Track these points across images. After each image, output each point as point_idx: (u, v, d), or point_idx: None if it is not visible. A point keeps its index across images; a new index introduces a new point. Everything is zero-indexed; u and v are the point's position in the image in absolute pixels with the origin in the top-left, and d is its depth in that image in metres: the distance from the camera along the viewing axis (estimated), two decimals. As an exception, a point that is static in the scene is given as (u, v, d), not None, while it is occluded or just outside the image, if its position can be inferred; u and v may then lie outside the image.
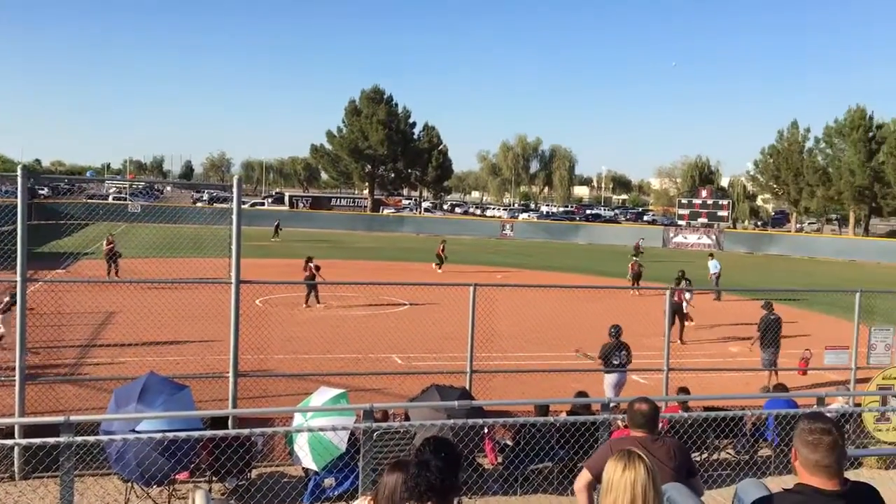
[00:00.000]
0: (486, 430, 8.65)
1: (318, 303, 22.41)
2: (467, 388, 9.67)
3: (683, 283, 23.81)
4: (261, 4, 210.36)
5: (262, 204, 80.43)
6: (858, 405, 10.87)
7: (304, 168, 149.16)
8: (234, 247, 8.85)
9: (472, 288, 9.82)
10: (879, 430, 10.91)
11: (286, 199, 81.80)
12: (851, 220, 69.64)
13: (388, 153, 74.72)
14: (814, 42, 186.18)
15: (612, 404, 8.11)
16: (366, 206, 77.33)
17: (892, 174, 62.60)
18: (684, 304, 19.82)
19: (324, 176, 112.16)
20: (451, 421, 6.23)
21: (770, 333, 14.65)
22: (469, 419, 7.05)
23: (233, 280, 8.90)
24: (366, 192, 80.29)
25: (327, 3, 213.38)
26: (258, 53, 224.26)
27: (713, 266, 29.09)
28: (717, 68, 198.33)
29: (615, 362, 11.97)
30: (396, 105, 77.17)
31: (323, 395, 7.90)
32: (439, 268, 33.82)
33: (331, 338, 17.29)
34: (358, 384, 12.87)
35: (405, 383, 12.25)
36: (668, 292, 11.15)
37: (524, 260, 41.91)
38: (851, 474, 3.42)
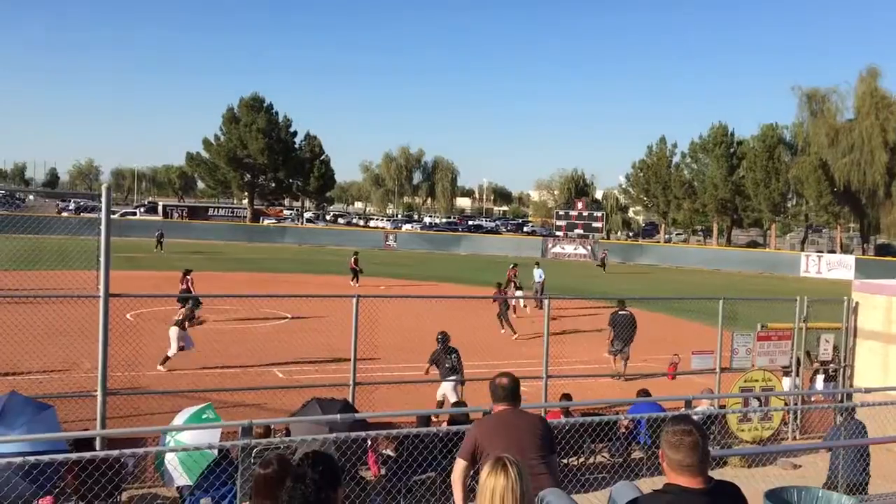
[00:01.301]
0: (369, 443, 8.59)
1: (196, 319, 21.56)
2: (350, 400, 9.58)
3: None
4: (132, 3, 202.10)
5: (134, 214, 77.05)
6: (723, 407, 11.49)
7: (179, 177, 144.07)
8: (102, 259, 8.42)
9: (354, 300, 9.75)
10: (742, 430, 11.58)
11: (160, 208, 78.78)
12: (715, 231, 73.82)
13: (269, 162, 73.29)
14: (680, 62, 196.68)
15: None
16: (245, 217, 75.51)
17: (751, 188, 66.82)
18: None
19: (200, 185, 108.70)
20: (333, 435, 6.13)
21: (619, 328, 17.04)
22: (351, 432, 6.97)
23: (101, 294, 8.46)
24: (245, 201, 78.36)
25: (203, 7, 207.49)
26: (129, 55, 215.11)
27: (538, 275, 29.20)
28: (592, 84, 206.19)
29: (447, 366, 12.50)
30: (277, 113, 75.90)
31: (186, 413, 7.64)
32: (356, 282, 32.20)
33: (208, 352, 16.71)
34: (237, 399, 12.51)
35: (286, 397, 11.99)
36: (546, 302, 11.42)
37: (407, 271, 42.00)
38: (717, 473, 3.59)
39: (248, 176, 75.33)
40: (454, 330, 13.95)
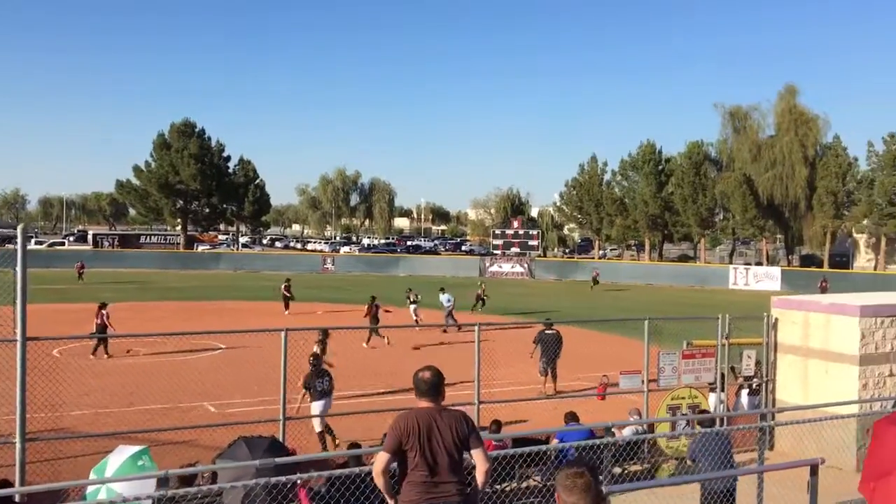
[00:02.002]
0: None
1: (107, 354, 20.76)
2: (280, 435, 9.49)
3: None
4: (58, 24, 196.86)
5: (63, 243, 74.78)
6: (652, 427, 11.75)
7: (109, 204, 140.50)
8: (18, 302, 8.19)
9: (283, 333, 9.68)
10: (670, 447, 11.86)
11: (89, 237, 76.70)
12: (647, 247, 75.45)
13: (202, 188, 72.15)
14: (609, 81, 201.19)
15: None
16: (179, 244, 74.06)
17: (679, 203, 68.63)
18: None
19: (132, 212, 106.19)
20: (254, 481, 6.07)
21: (544, 345, 17.61)
22: (280, 476, 6.91)
23: (18, 338, 8.23)
24: (178, 228, 76.90)
25: (131, 31, 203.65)
26: (55, 79, 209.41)
27: (445, 300, 29.09)
28: (525, 103, 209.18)
29: (319, 389, 12.79)
30: (209, 138, 74.90)
31: (121, 455, 7.42)
32: (287, 309, 31.58)
33: (135, 388, 16.32)
34: (166, 437, 12.24)
35: (217, 433, 11.80)
36: (476, 326, 11.52)
37: (345, 294, 41.72)
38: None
39: (181, 202, 74.00)
40: (390, 355, 13.98)
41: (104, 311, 21.77)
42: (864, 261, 69.88)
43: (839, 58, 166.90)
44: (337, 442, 12.59)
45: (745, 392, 13.71)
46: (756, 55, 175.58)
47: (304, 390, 12.92)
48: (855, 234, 69.26)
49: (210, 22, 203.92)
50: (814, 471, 5.76)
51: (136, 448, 7.51)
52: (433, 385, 5.23)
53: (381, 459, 5.11)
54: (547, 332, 17.85)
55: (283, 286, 32.82)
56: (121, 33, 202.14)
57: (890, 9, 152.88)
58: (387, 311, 26.56)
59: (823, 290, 44.65)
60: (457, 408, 5.62)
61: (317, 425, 12.56)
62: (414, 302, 29.76)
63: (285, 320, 27.80)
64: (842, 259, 69.57)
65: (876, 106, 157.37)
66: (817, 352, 12.20)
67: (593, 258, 78.19)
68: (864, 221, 63.98)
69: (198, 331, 19.51)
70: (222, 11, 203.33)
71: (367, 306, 26.13)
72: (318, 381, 12.81)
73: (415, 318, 29.27)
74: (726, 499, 8.02)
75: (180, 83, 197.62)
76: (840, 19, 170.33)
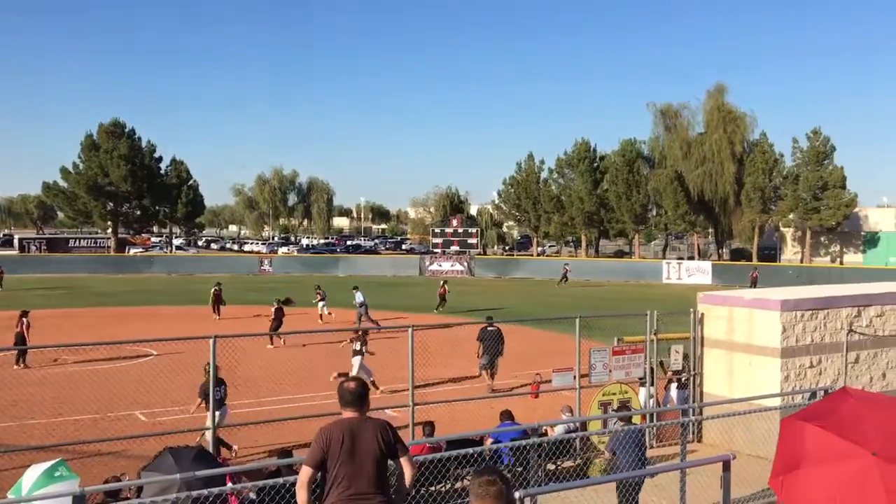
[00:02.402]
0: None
1: (24, 364, 20.27)
2: (210, 444, 9.35)
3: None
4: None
5: (-14, 248, 72.28)
6: (584, 424, 11.94)
7: (37, 207, 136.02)
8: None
9: (212, 340, 9.54)
10: (602, 443, 12.07)
11: (15, 241, 74.17)
12: (584, 243, 76.60)
13: (133, 190, 70.38)
14: (545, 79, 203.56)
15: None
16: (109, 247, 72.14)
17: (614, 200, 69.89)
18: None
19: (61, 215, 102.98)
20: (181, 495, 5.98)
21: (487, 342, 18.00)
22: (208, 485, 6.82)
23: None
24: (109, 231, 74.87)
25: (58, 30, 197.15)
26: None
27: (358, 297, 29.05)
28: (463, 101, 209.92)
29: (217, 398, 12.15)
30: (140, 139, 73.12)
31: (35, 471, 7.20)
32: (218, 315, 30.86)
33: (63, 398, 15.87)
34: (94, 449, 11.95)
35: (147, 443, 11.55)
36: (410, 328, 11.52)
37: (281, 296, 41.18)
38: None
39: (111, 204, 72.06)
40: (328, 359, 13.85)
41: (24, 320, 21.23)
42: (790, 254, 72.23)
43: (765, 56, 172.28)
44: (233, 453, 12.31)
45: (674, 386, 14.05)
46: (687, 55, 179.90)
47: (199, 399, 12.59)
48: (782, 228, 71.58)
49: (139, 19, 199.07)
50: (726, 466, 5.95)
51: (50, 463, 7.29)
52: (358, 396, 5.25)
53: (303, 472, 5.10)
54: (489, 329, 18.20)
55: (213, 290, 32.11)
56: (46, 32, 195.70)
57: (812, 9, 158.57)
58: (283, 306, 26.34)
59: (754, 283, 46.08)
60: (379, 416, 5.64)
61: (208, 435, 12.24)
62: (322, 299, 30.02)
63: (217, 326, 27.29)
64: (770, 252, 71.80)
65: (800, 103, 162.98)
66: (741, 345, 12.58)
67: (532, 255, 79.01)
68: (790, 216, 66.19)
69: (124, 340, 19.06)
70: (151, 8, 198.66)
71: (272, 308, 26.17)
72: (216, 390, 12.52)
73: (321, 313, 29.81)
74: (636, 488, 8.53)
75: (109, 83, 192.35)
76: (766, 19, 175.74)
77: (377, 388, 15.71)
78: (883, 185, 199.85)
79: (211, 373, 9.48)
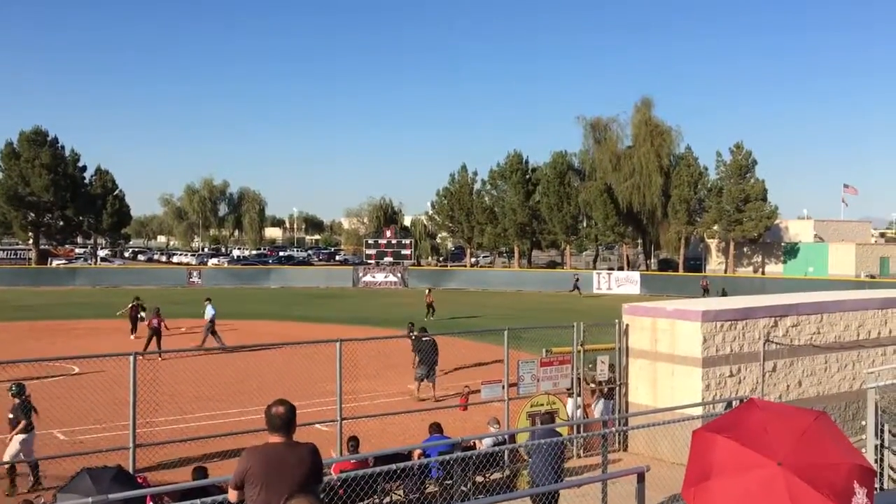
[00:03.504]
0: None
1: None
2: (131, 462, 9.11)
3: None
4: None
5: None
6: (513, 436, 12.05)
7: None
8: None
9: (131, 358, 9.32)
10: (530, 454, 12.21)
11: (-72, 253, 71.00)
12: (517, 254, 77.42)
13: (55, 200, 68.10)
14: (476, 91, 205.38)
15: None
16: (30, 259, 69.58)
17: (546, 212, 70.91)
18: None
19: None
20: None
21: (422, 353, 18.14)
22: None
23: None
24: (30, 242, 72.22)
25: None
26: None
27: (208, 311, 27.22)
28: (395, 112, 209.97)
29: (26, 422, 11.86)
30: (63, 148, 70.88)
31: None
32: (135, 333, 28.61)
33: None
34: (6, 469, 11.51)
35: (65, 463, 11.17)
36: (338, 343, 11.45)
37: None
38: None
39: (32, 215, 69.56)
40: (272, 372, 13.53)
41: None
42: (715, 264, 74.45)
43: (690, 71, 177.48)
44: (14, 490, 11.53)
45: (601, 401, 14.21)
46: (614, 67, 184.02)
47: (22, 420, 11.96)
48: (707, 239, 73.74)
49: (59, 21, 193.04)
50: (640, 478, 6.09)
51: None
52: (287, 421, 5.21)
53: (230, 494, 5.18)
54: (423, 339, 18.31)
55: (129, 306, 30.02)
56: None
57: (732, 25, 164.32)
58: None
59: (706, 290, 47.62)
60: (308, 431, 5.62)
61: (7, 457, 11.59)
62: (142, 308, 29.58)
63: (134, 344, 25.99)
64: (695, 262, 73.88)
65: (723, 118, 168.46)
66: (664, 355, 12.91)
67: (465, 266, 79.41)
68: (715, 227, 68.29)
69: (41, 358, 18.38)
70: (71, 11, 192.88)
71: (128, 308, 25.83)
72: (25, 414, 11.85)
73: (132, 326, 28.90)
74: (552, 497, 8.66)
75: (30, 89, 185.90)
76: (691, 34, 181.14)
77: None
78: (802, 198, 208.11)
79: (132, 391, 9.23)
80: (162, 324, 25.15)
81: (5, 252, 74.54)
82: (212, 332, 26.43)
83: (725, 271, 67.76)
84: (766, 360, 13.09)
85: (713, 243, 74.28)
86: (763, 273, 69.78)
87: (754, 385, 12.95)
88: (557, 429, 12.60)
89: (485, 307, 44.42)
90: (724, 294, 45.23)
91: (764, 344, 13.01)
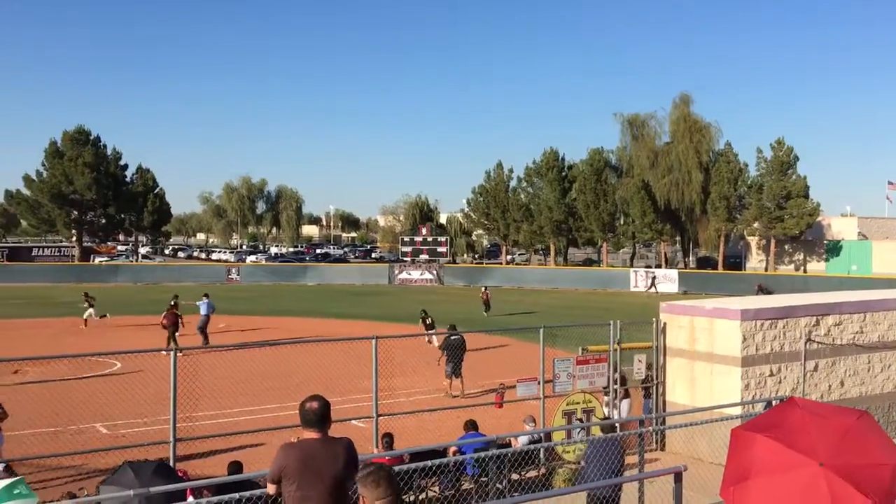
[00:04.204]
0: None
1: None
2: (171, 456, 9.27)
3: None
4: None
5: (-54, 257, 70.82)
6: (548, 434, 12.01)
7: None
8: None
9: (171, 354, 9.48)
10: (566, 452, 12.17)
11: (-24, 250, 72.91)
12: (553, 251, 77.03)
13: (98, 198, 69.45)
14: (512, 89, 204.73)
15: None
16: (74, 256, 71.05)
17: (582, 209, 70.43)
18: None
19: (23, 224, 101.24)
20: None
21: (451, 350, 18.34)
22: (167, 500, 6.77)
23: None
24: (73, 240, 73.75)
25: (17, 37, 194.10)
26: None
27: (203, 307, 26.93)
28: (431, 109, 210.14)
29: None
30: (105, 147, 72.22)
31: (-7, 489, 7.08)
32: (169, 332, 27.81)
33: (23, 410, 15.55)
34: (55, 463, 11.77)
35: (108, 457, 11.42)
36: (374, 340, 11.51)
37: (251, 306, 40.99)
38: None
39: (76, 213, 71.04)
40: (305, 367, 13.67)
41: None
42: (755, 262, 73.31)
43: (729, 67, 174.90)
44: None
45: (626, 401, 14.07)
46: (652, 64, 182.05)
47: None
48: (747, 237, 72.63)
49: (103, 22, 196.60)
50: (678, 478, 6.03)
51: (9, 480, 7.18)
52: (321, 416, 5.24)
53: (268, 490, 5.30)
54: (452, 337, 18.39)
55: (170, 303, 29.15)
56: (8, 36, 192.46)
57: (773, 20, 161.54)
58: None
59: (761, 290, 46.50)
60: (346, 427, 5.67)
61: None
62: (91, 306, 30.08)
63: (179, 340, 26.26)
64: (735, 260, 72.82)
65: (764, 114, 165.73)
66: (703, 354, 12.77)
67: (501, 263, 79.25)
68: (755, 224, 67.20)
69: (84, 353, 18.78)
70: (116, 11, 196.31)
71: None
72: None
73: (86, 319, 29.39)
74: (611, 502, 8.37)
75: (73, 89, 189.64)
76: (730, 29, 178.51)
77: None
78: (845, 195, 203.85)
79: (172, 386, 9.39)
80: (180, 319, 25.36)
81: (49, 249, 76.12)
82: (201, 328, 26.18)
83: (766, 269, 66.66)
84: (807, 360, 12.87)
85: (753, 241, 73.12)
86: (805, 271, 68.52)
87: (795, 385, 12.75)
88: (592, 428, 12.58)
89: (520, 304, 44.29)
90: (762, 291, 44.52)
91: (805, 343, 12.79)
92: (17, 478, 7.40)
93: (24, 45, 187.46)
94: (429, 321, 25.50)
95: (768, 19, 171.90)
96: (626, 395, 13.66)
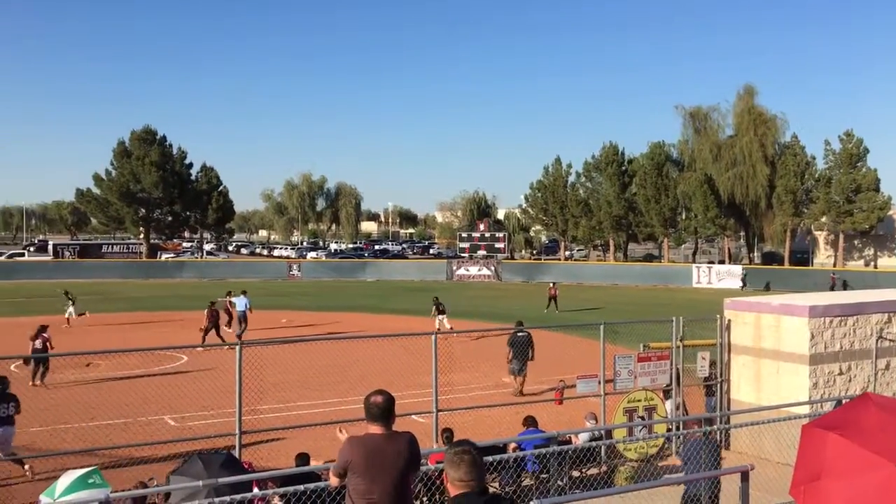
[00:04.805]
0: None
1: (42, 382, 18.61)
2: (237, 449, 9.47)
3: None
4: (5, 38, 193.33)
5: (23, 254, 73.55)
6: (609, 431, 11.89)
7: (71, 213, 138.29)
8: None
9: (238, 347, 9.69)
10: (628, 450, 12.03)
11: (50, 247, 75.49)
12: (612, 247, 76.16)
13: (164, 196, 71.31)
14: (570, 83, 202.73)
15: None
16: (141, 253, 73.13)
17: (643, 204, 69.41)
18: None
19: (94, 221, 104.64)
20: (216, 500, 6.08)
21: (517, 347, 18.07)
22: (234, 491, 6.91)
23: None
24: (141, 237, 75.90)
25: (89, 38, 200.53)
26: (13, 88, 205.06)
27: (241, 303, 27.28)
28: (490, 105, 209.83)
29: (2, 415, 11.73)
30: (171, 146, 74.07)
31: (70, 477, 7.36)
32: (229, 325, 28.42)
33: (95, 402, 16.13)
34: (126, 454, 12.14)
35: (176, 447, 11.73)
36: (433, 336, 11.56)
37: (311, 301, 41.59)
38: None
39: (143, 211, 73.07)
40: (363, 360, 13.83)
41: (45, 335, 19.57)
42: (823, 257, 71.23)
43: (795, 57, 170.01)
44: (28, 472, 11.69)
45: (669, 401, 13.73)
46: (714, 55, 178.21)
47: None
48: (814, 232, 70.59)
49: (168, 26, 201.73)
50: (744, 477, 5.90)
51: (84, 470, 7.46)
52: (385, 410, 5.29)
53: (332, 482, 5.44)
54: (519, 334, 18.26)
55: (226, 301, 29.73)
56: (79, 40, 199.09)
57: (842, 8, 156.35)
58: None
59: (835, 286, 45.27)
60: (406, 421, 5.72)
61: None
62: (73, 304, 30.53)
63: (231, 336, 26.46)
64: (802, 256, 70.88)
65: (832, 105, 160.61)
66: (769, 352, 12.47)
67: (559, 259, 78.71)
68: (823, 219, 65.27)
69: (154, 347, 19.32)
70: (180, 14, 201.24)
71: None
72: (3, 407, 11.72)
73: (68, 318, 29.82)
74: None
75: (140, 90, 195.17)
76: (795, 19, 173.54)
77: None
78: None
79: (237, 380, 9.59)
80: (217, 313, 25.89)
81: (118, 246, 78.49)
82: (242, 320, 26.99)
83: (835, 265, 64.66)
84: (878, 358, 12.46)
85: (821, 236, 71.03)
86: (875, 267, 66.28)
87: (865, 384, 12.36)
88: (655, 426, 12.41)
89: (579, 301, 43.91)
90: (837, 286, 43.24)
91: (877, 341, 12.40)
92: (92, 467, 7.68)
93: (94, 45, 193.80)
94: (440, 308, 29.26)
95: (833, 6, 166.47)
96: (667, 395, 13.36)
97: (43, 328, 19.77)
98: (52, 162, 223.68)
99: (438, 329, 27.03)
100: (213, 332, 25.43)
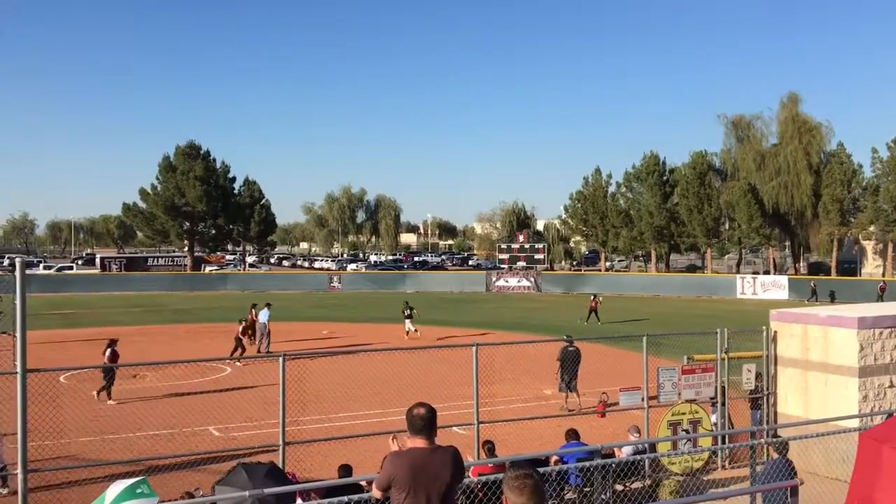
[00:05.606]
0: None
1: (109, 398, 18.29)
2: (280, 460, 9.55)
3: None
4: (60, 47, 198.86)
5: (71, 268, 75.33)
6: (653, 445, 11.73)
7: (117, 227, 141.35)
8: (18, 334, 8.29)
9: (280, 359, 9.78)
10: (672, 464, 11.86)
11: (97, 260, 77.18)
12: (654, 258, 75.28)
13: (208, 209, 72.51)
14: (610, 93, 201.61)
15: None
16: (186, 265, 74.38)
17: (685, 214, 68.52)
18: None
19: (140, 235, 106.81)
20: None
21: (566, 363, 17.74)
22: (278, 502, 6.99)
23: (18, 370, 8.32)
24: (185, 250, 77.23)
25: (134, 52, 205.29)
26: (59, 103, 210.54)
27: (263, 315, 27.31)
28: (528, 116, 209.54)
29: None
30: (214, 160, 75.35)
31: (119, 486, 7.47)
32: (251, 340, 27.82)
33: (141, 413, 16.42)
34: (170, 464, 12.32)
35: (220, 458, 11.89)
36: (474, 347, 11.54)
37: (351, 313, 41.85)
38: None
39: (188, 224, 74.37)
40: (404, 374, 13.90)
41: (114, 349, 19.16)
42: (871, 267, 69.53)
43: (840, 64, 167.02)
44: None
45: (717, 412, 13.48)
46: (756, 64, 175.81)
47: None
48: (862, 241, 68.98)
49: (211, 42, 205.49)
50: (794, 492, 5.78)
51: (132, 481, 7.56)
52: (428, 422, 5.26)
53: (374, 493, 5.37)
54: (569, 349, 17.95)
55: (250, 313, 29.20)
56: (124, 55, 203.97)
57: (888, 13, 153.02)
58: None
59: (883, 296, 44.11)
60: (448, 433, 5.71)
61: None
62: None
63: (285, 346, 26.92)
64: (850, 266, 69.30)
65: (879, 112, 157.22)
66: (816, 364, 12.20)
67: (599, 270, 78.06)
68: (871, 228, 63.73)
69: (196, 359, 19.59)
70: (224, 32, 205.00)
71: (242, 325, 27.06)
72: None
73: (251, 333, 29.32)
74: None
75: (185, 105, 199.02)
76: (839, 25, 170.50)
77: None
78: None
79: (281, 391, 9.69)
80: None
81: (163, 259, 79.89)
82: (266, 334, 27.17)
83: (883, 274, 63.03)
84: (932, 371, 12.10)
85: (869, 245, 69.33)
86: (927, 277, 64.42)
87: (918, 397, 12.01)
88: (700, 440, 12.21)
89: (619, 312, 43.48)
90: (883, 298, 42.21)
91: (930, 353, 12.04)
92: (141, 478, 7.79)
93: (139, 62, 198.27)
94: (407, 312, 31.22)
95: (879, 10, 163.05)
96: (754, 405, 13.12)
97: (113, 342, 19.42)
98: (100, 177, 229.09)
99: (407, 332, 30.87)
100: (245, 343, 25.88)
